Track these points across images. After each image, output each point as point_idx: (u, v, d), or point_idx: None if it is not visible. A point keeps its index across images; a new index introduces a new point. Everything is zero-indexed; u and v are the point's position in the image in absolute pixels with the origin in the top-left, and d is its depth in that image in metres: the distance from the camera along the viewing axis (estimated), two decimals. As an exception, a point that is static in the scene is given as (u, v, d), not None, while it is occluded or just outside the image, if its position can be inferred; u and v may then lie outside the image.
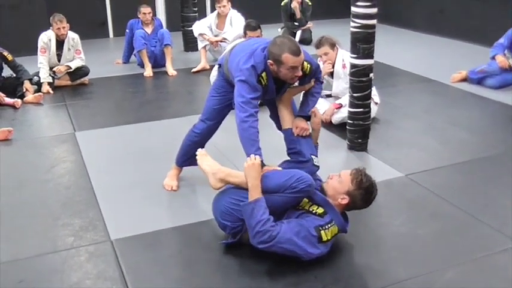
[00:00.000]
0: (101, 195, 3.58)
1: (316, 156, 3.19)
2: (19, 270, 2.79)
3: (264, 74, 2.99)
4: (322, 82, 3.38)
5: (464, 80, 6.06)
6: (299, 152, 3.14)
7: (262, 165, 2.85)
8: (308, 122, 3.25)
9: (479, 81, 5.94)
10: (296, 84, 3.26)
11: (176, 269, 2.81)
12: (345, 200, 2.77)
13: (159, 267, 2.81)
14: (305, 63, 3.07)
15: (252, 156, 2.80)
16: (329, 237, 2.69)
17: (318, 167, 3.16)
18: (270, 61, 2.96)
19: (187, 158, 3.61)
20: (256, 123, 2.97)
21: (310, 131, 3.24)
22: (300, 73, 3.02)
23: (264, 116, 3.53)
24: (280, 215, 2.73)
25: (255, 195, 2.67)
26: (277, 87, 3.13)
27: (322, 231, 2.66)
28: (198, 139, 3.51)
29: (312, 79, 3.26)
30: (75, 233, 3.13)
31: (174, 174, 3.69)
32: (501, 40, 5.93)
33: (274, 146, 3.37)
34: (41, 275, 2.76)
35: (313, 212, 2.74)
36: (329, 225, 2.70)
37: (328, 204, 2.77)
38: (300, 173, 2.75)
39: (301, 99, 3.36)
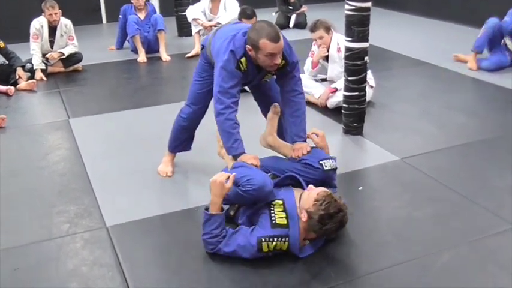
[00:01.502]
0: (96, 182, 3.57)
1: (328, 159, 3.00)
2: (14, 257, 2.79)
3: (243, 59, 2.92)
4: (299, 93, 3.14)
5: (465, 62, 6.01)
6: (308, 164, 2.99)
7: (240, 153, 2.93)
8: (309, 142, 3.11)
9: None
10: (272, 76, 3.16)
11: (172, 255, 2.80)
12: (305, 218, 2.62)
13: (155, 253, 2.81)
14: (283, 41, 2.91)
15: (220, 173, 2.73)
16: (271, 249, 2.60)
17: (333, 169, 3.00)
18: (248, 46, 2.89)
19: (178, 143, 3.60)
20: (233, 115, 2.94)
21: (312, 146, 3.11)
22: (279, 61, 2.91)
23: (249, 101, 3.53)
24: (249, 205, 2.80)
25: (213, 210, 2.70)
26: (256, 71, 3.06)
27: (264, 243, 2.59)
28: (186, 124, 3.49)
29: (289, 74, 3.09)
30: (70, 220, 3.12)
31: (168, 160, 3.67)
32: (506, 18, 5.77)
33: (259, 131, 3.33)
34: (37, 262, 2.76)
35: (273, 218, 2.65)
36: (277, 239, 2.59)
37: (294, 220, 2.64)
38: (254, 175, 2.73)
39: (284, 123, 3.23)
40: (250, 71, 3.00)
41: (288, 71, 3.07)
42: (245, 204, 2.85)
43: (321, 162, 2.96)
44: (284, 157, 3.15)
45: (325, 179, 2.98)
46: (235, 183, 2.72)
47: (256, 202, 2.77)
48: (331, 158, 3.03)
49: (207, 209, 2.73)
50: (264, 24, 2.89)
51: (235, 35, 2.97)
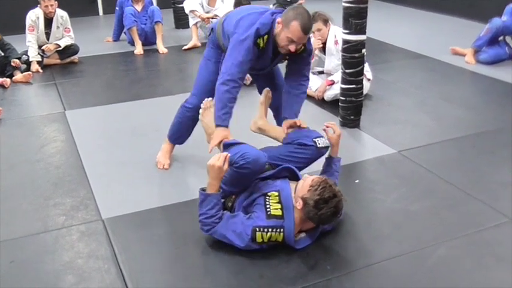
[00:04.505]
0: (92, 174, 3.56)
1: (321, 137, 3.03)
2: (10, 250, 2.78)
3: (266, 37, 2.92)
4: (307, 79, 3.22)
5: (463, 55, 6.00)
6: (301, 143, 3.01)
7: (224, 126, 2.96)
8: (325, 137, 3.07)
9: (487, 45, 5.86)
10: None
11: (168, 247, 2.80)
12: (300, 205, 2.62)
13: (151, 246, 2.80)
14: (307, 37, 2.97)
15: (217, 156, 2.72)
16: (265, 240, 2.60)
17: (326, 147, 3.03)
18: (280, 19, 2.89)
19: (179, 135, 3.58)
20: (235, 90, 2.93)
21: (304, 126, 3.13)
22: (294, 49, 2.94)
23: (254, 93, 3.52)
24: (241, 189, 2.84)
25: (210, 190, 2.70)
26: (272, 57, 3.07)
27: (258, 233, 2.59)
28: (190, 114, 3.44)
29: (305, 60, 3.15)
30: (66, 213, 3.11)
31: (167, 151, 3.64)
32: (504, 18, 5.76)
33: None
34: (32, 254, 2.75)
35: (268, 209, 2.65)
36: (272, 230, 2.59)
37: (290, 210, 2.64)
38: (246, 150, 2.75)
39: (283, 100, 3.21)
40: (267, 51, 2.99)
41: (304, 56, 3.12)
42: (243, 184, 2.83)
43: (314, 140, 2.99)
44: (274, 145, 3.14)
45: (319, 156, 3.02)
46: (230, 163, 2.72)
47: (253, 178, 2.79)
48: (323, 136, 3.05)
49: (203, 189, 2.72)
50: (306, 13, 2.89)
51: (262, 12, 2.98)
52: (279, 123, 3.28)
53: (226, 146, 2.90)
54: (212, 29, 3.31)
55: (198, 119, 3.39)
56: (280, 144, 3.13)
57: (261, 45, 2.94)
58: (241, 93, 3.08)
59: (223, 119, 2.97)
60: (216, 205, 2.69)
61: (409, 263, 2.62)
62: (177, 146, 3.66)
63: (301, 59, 3.14)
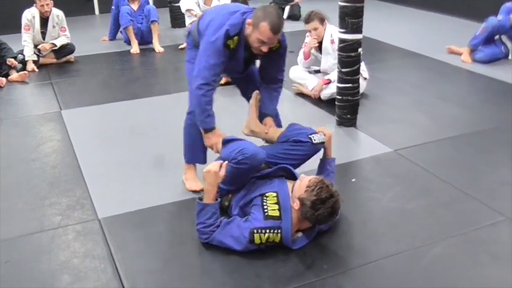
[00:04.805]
0: (88, 173, 3.55)
1: (316, 133, 3.03)
2: (6, 250, 2.77)
3: (236, 38, 2.86)
4: (284, 71, 3.22)
5: (459, 54, 6.01)
6: (297, 140, 3.01)
7: (211, 129, 2.96)
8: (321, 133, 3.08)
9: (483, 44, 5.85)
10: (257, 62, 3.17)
11: (165, 247, 2.79)
12: (297, 206, 2.62)
13: (147, 245, 2.80)
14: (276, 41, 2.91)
15: (216, 162, 2.75)
16: (263, 241, 2.60)
17: (321, 143, 3.03)
18: (249, 20, 2.83)
19: (194, 149, 3.28)
20: (210, 93, 2.90)
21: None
22: (266, 50, 2.89)
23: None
24: (240, 186, 2.86)
25: (207, 199, 2.71)
26: (246, 58, 3.00)
27: (256, 235, 2.59)
28: (192, 122, 3.20)
29: (275, 65, 3.13)
30: (62, 212, 3.10)
31: (191, 175, 3.34)
32: (499, 17, 5.77)
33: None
34: (28, 254, 2.74)
35: (265, 210, 2.65)
36: (269, 231, 2.59)
37: (287, 211, 2.64)
38: (244, 145, 2.76)
39: (262, 96, 3.20)
40: (238, 53, 2.94)
41: (280, 52, 3.06)
42: (240, 181, 2.84)
43: (309, 136, 2.99)
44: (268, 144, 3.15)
45: (315, 152, 3.02)
46: (228, 160, 2.73)
47: (250, 174, 2.80)
48: (317, 132, 3.05)
49: (200, 199, 2.74)
50: (274, 12, 2.84)
51: (233, 12, 2.92)
52: (260, 119, 3.23)
53: (226, 142, 2.90)
54: (189, 32, 3.25)
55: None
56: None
57: (232, 46, 2.87)
58: (233, 92, 3.03)
59: (207, 122, 2.96)
60: (214, 214, 2.70)
61: (405, 261, 2.62)
62: (174, 145, 3.62)
63: (277, 56, 3.08)
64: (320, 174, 3.06)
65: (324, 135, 3.06)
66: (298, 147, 3.00)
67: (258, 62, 3.24)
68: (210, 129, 2.98)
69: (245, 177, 2.84)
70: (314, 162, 3.14)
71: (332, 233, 2.82)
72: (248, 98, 3.28)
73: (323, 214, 2.59)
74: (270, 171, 2.90)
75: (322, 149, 3.11)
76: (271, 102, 3.20)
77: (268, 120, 3.18)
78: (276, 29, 2.80)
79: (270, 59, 3.09)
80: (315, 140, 3.00)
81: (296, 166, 3.02)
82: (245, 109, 3.27)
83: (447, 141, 3.96)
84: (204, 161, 3.27)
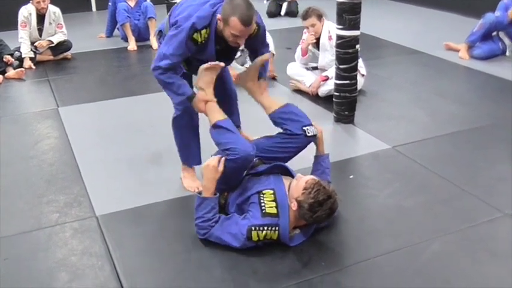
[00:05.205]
0: (86, 171, 3.54)
1: (310, 125, 3.00)
2: (3, 248, 2.76)
3: (204, 31, 2.80)
4: (268, 45, 3.23)
5: (457, 50, 6.01)
6: (289, 130, 2.99)
7: (192, 96, 2.93)
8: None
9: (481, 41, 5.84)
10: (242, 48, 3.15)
11: (162, 244, 2.79)
12: (295, 207, 2.62)
13: (145, 242, 2.79)
14: (254, 25, 2.84)
15: (215, 157, 2.74)
16: (261, 238, 2.60)
17: (314, 135, 3.00)
18: (219, 15, 2.79)
19: (186, 150, 3.30)
20: (169, 71, 2.88)
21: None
22: (242, 42, 2.87)
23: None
24: (236, 183, 2.85)
25: (206, 194, 2.72)
26: (222, 50, 2.94)
27: (254, 232, 2.59)
28: (184, 121, 3.18)
29: (260, 44, 3.09)
30: (59, 210, 3.09)
31: (190, 174, 3.33)
32: (497, 13, 5.76)
33: (255, 118, 3.31)
34: (26, 252, 2.74)
35: (263, 207, 2.64)
36: (267, 228, 2.59)
37: (285, 209, 2.64)
38: (237, 144, 2.75)
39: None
40: (208, 45, 2.87)
41: (259, 34, 3.01)
42: (235, 178, 2.84)
43: (304, 128, 2.97)
44: (262, 138, 3.09)
45: (307, 144, 3.00)
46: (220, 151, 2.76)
47: (241, 172, 2.83)
48: (312, 124, 3.02)
49: (200, 193, 2.75)
50: (242, 3, 2.74)
51: (202, 3, 2.86)
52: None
53: (218, 126, 2.86)
54: (160, 30, 3.16)
55: (194, 124, 3.23)
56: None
57: (199, 40, 2.81)
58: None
59: (185, 91, 2.93)
60: (213, 209, 2.70)
61: (403, 258, 2.62)
62: (171, 142, 3.61)
63: (258, 37, 3.03)
64: (315, 172, 3.06)
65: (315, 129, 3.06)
66: (291, 140, 2.98)
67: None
68: (190, 97, 2.94)
69: (236, 174, 2.83)
70: (309, 161, 3.14)
71: (330, 230, 2.82)
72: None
73: (321, 216, 2.60)
74: (265, 169, 2.89)
75: (315, 146, 3.10)
76: (265, 69, 3.19)
77: (264, 83, 3.14)
78: (247, 21, 2.74)
79: (253, 44, 3.07)
80: (309, 132, 2.97)
81: (288, 159, 3.01)
82: (247, 104, 3.26)
83: (445, 137, 3.96)
84: (199, 162, 3.26)
